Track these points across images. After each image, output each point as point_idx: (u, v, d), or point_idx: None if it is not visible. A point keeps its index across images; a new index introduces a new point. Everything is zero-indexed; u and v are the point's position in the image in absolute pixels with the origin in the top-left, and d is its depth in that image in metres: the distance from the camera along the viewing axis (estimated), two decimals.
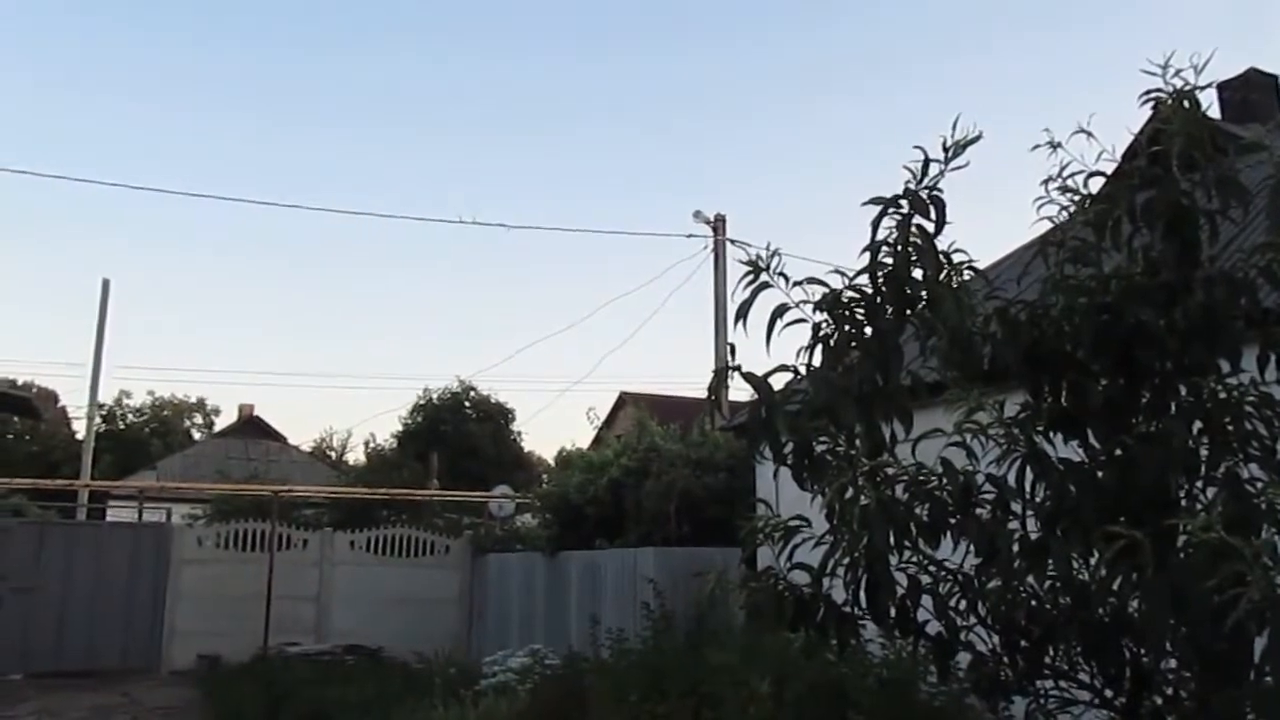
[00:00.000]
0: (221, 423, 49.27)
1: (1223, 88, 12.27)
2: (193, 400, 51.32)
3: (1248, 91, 12.66)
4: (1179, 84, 3.55)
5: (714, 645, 8.42)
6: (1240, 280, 3.54)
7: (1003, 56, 63.89)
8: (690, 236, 19.60)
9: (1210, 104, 3.72)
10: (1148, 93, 3.60)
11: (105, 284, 26.24)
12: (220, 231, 76.27)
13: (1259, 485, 3.24)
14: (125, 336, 66.35)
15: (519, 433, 34.58)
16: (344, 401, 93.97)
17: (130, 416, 47.09)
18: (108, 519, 23.52)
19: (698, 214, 19.47)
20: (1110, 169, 3.71)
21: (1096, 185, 3.72)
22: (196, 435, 49.63)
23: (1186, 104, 3.52)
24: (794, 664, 6.98)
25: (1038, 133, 3.68)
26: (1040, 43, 65.02)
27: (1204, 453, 3.42)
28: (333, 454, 40.81)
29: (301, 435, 60.89)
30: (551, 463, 31.31)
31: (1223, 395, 3.46)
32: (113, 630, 16.40)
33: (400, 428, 33.03)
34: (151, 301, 67.13)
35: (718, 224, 19.37)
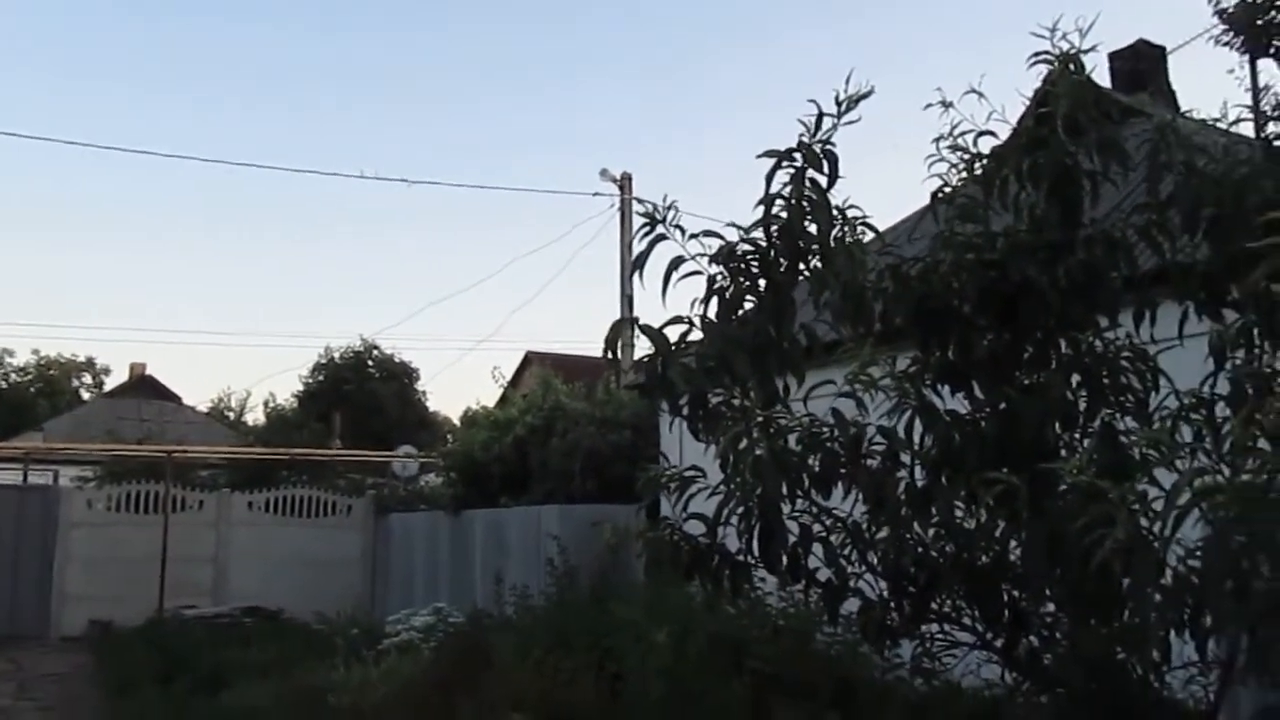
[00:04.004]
0: (112, 382, 47.71)
1: (1114, 57, 12.65)
2: (81, 359, 49.50)
3: (1137, 62, 13.04)
4: (1066, 46, 3.66)
5: (618, 600, 8.50)
6: (1119, 240, 3.68)
7: (907, 14, 64.79)
8: (596, 195, 19.43)
9: (1095, 67, 3.83)
10: (1036, 54, 3.69)
11: None
12: (112, 185, 73.26)
13: (1133, 436, 3.39)
14: (7, 292, 63.41)
15: (423, 392, 34.35)
16: (243, 360, 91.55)
17: (13, 376, 45.22)
18: None
19: (604, 172, 19.30)
20: (1001, 130, 3.80)
21: (987, 145, 3.81)
22: (86, 395, 47.91)
23: (1072, 67, 3.62)
24: (696, 617, 7.11)
25: (934, 93, 3.76)
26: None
27: (1082, 404, 3.56)
28: (231, 414, 39.86)
29: (198, 395, 59.44)
30: (457, 422, 31.07)
31: (1100, 350, 3.61)
32: None
33: (301, 387, 32.48)
34: (36, 257, 64.31)
35: (624, 182, 19.24)
